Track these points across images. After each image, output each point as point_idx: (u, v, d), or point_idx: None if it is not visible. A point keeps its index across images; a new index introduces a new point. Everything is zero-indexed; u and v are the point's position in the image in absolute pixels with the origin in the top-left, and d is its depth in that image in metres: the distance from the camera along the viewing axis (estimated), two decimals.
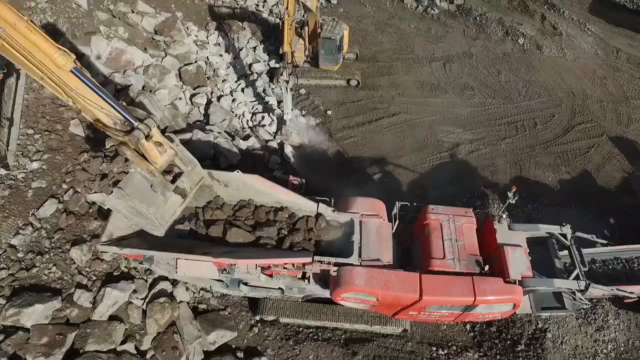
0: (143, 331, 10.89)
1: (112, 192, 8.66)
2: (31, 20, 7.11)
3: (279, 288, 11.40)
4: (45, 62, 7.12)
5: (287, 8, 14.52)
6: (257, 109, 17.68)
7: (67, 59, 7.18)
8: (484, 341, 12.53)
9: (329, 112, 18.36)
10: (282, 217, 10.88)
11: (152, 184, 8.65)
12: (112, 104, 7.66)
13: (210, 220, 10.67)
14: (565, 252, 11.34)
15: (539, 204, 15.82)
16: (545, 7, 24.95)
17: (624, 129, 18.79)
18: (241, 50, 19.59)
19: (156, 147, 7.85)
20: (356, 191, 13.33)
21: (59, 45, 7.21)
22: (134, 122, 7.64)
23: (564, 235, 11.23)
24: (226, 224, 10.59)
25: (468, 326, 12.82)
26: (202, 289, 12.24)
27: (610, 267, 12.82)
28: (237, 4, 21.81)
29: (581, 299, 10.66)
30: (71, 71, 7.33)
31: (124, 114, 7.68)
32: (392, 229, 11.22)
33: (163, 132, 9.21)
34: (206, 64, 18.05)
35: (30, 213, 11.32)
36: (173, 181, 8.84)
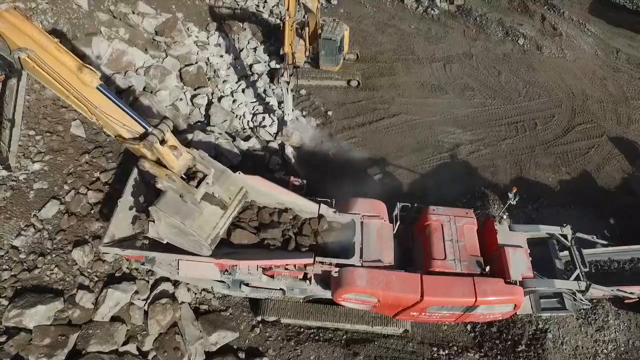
0: (145, 332, 10.92)
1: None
2: (59, 41, 7.33)
3: (281, 289, 11.44)
4: (72, 80, 7.30)
5: (287, 9, 14.54)
6: (257, 109, 17.70)
7: (93, 76, 7.39)
8: (485, 341, 12.56)
9: (329, 113, 18.39)
10: (287, 219, 10.89)
11: (180, 195, 8.40)
12: (129, 112, 7.74)
13: None
14: (566, 252, 11.38)
15: (540, 204, 15.86)
16: (545, 7, 25.00)
17: (624, 129, 18.83)
18: (242, 51, 19.61)
19: (172, 151, 7.77)
20: (357, 192, 13.39)
21: (84, 64, 7.40)
22: (148, 127, 7.68)
23: (565, 236, 11.28)
24: (230, 225, 10.59)
25: (469, 327, 12.85)
26: (203, 289, 12.27)
27: (610, 267, 12.86)
28: (238, 5, 21.82)
29: (582, 300, 10.70)
30: (97, 88, 7.51)
31: (139, 120, 7.73)
32: (393, 230, 11.25)
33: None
34: (207, 64, 18.07)
35: (32, 214, 11.34)
36: (197, 186, 8.37)
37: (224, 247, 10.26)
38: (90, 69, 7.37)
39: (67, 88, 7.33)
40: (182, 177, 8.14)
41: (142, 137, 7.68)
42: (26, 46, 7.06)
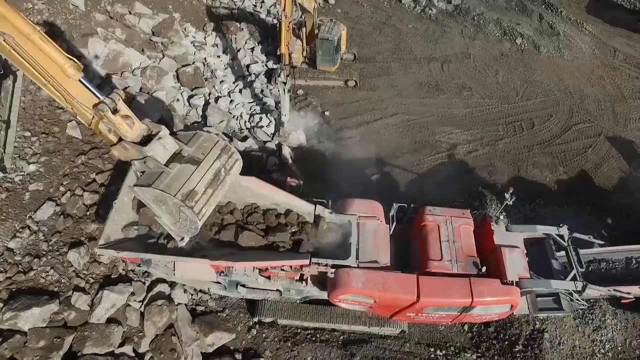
0: (141, 333, 10.90)
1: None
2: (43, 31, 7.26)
3: (277, 290, 11.42)
4: (53, 71, 7.30)
5: (284, 9, 14.51)
6: (255, 110, 17.67)
7: (76, 69, 7.41)
8: (482, 342, 12.55)
9: (326, 113, 18.36)
10: (293, 220, 10.87)
11: (144, 161, 8.14)
12: (95, 91, 7.77)
13: (221, 225, 10.61)
14: (563, 252, 11.36)
15: (537, 204, 15.84)
16: (543, 7, 25.00)
17: (622, 128, 18.82)
18: (239, 51, 19.57)
19: (124, 121, 7.80)
20: (354, 192, 13.37)
21: (68, 55, 7.40)
22: (100, 97, 7.71)
23: (561, 236, 11.24)
24: (238, 228, 10.57)
25: (466, 327, 12.84)
26: (200, 291, 12.25)
27: (607, 267, 12.84)
28: (235, 5, 21.78)
29: (578, 300, 10.68)
30: (81, 82, 7.55)
31: (93, 89, 7.73)
32: (390, 231, 11.23)
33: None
34: (204, 65, 18.04)
35: (28, 216, 11.32)
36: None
37: (231, 249, 10.24)
38: (74, 61, 7.39)
39: (47, 78, 7.38)
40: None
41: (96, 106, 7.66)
42: (8, 33, 6.94)
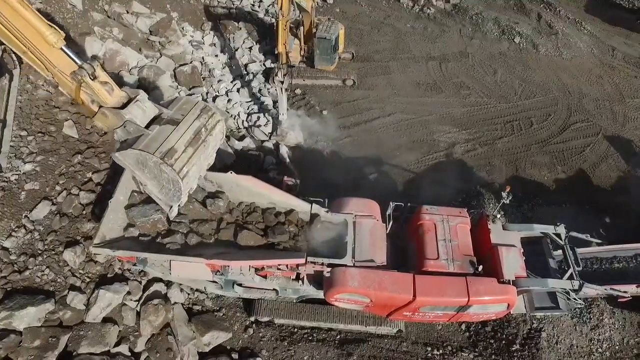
0: (137, 333, 10.86)
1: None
2: None
3: (274, 289, 11.40)
4: (34, 39, 7.26)
5: (281, 8, 14.49)
6: (252, 109, 17.65)
7: (58, 37, 7.37)
8: (479, 341, 12.52)
9: (324, 112, 18.33)
10: (294, 219, 10.84)
11: (124, 126, 8.09)
12: (72, 56, 7.78)
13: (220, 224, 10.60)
14: (560, 251, 11.34)
15: (535, 203, 15.82)
16: (541, 6, 24.97)
17: (620, 127, 18.79)
18: (237, 50, 19.56)
19: (103, 87, 7.85)
20: (351, 191, 13.35)
21: (50, 23, 7.37)
22: (79, 62, 7.71)
23: (558, 235, 11.24)
24: (237, 227, 10.55)
25: (463, 326, 12.82)
26: (196, 290, 12.22)
27: (605, 266, 12.82)
28: (233, 4, 21.77)
29: (575, 299, 10.66)
30: (61, 49, 7.52)
31: (73, 56, 7.73)
32: (387, 230, 11.21)
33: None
34: (201, 64, 18.03)
35: (23, 215, 11.28)
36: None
37: (228, 248, 10.22)
38: (55, 29, 7.35)
39: (28, 45, 7.34)
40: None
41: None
42: None
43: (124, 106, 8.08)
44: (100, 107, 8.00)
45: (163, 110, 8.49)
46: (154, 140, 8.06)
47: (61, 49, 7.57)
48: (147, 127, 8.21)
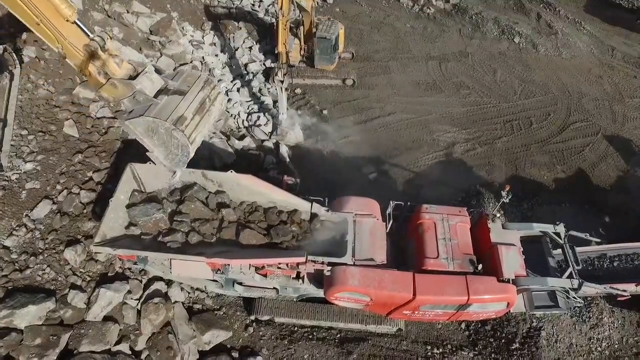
0: (137, 331, 10.88)
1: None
2: None
3: (274, 288, 11.42)
4: (48, 11, 7.43)
5: (281, 8, 14.50)
6: (252, 108, 17.67)
7: (72, 10, 7.56)
8: (479, 340, 12.55)
9: (324, 112, 18.36)
10: (298, 219, 10.87)
11: (134, 96, 8.57)
12: (85, 29, 8.04)
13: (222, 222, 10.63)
14: (559, 250, 11.37)
15: (535, 202, 15.85)
16: (541, 5, 25.04)
17: (620, 127, 18.83)
18: (237, 50, 19.58)
19: (113, 59, 8.20)
20: (351, 190, 13.37)
21: None
22: (90, 35, 7.99)
23: (558, 234, 11.26)
24: (239, 226, 10.58)
25: (463, 325, 12.85)
26: (197, 289, 12.24)
27: (604, 265, 12.86)
28: (233, 4, 21.80)
29: (574, 298, 10.69)
30: (74, 22, 7.71)
31: (85, 29, 8.00)
32: (386, 229, 11.23)
33: None
34: (202, 64, 18.05)
35: (24, 214, 11.30)
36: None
37: (229, 247, 10.25)
38: (69, 3, 7.56)
39: (40, 18, 7.49)
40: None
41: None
42: None
43: (131, 79, 8.53)
44: (109, 78, 8.35)
45: (168, 82, 8.98)
46: (164, 108, 8.62)
47: (76, 23, 7.82)
48: (155, 97, 8.72)
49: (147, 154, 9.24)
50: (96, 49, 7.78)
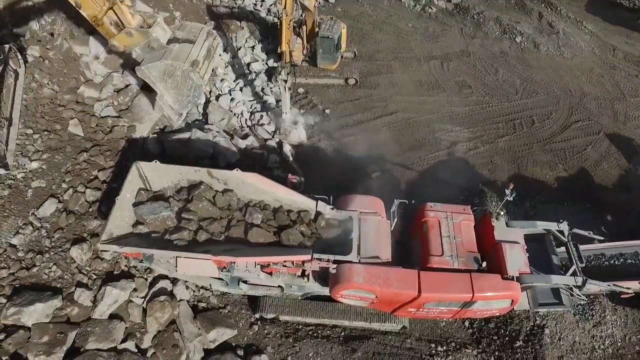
0: (143, 329, 10.93)
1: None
2: None
3: (279, 286, 11.48)
4: None
5: (284, 7, 14.54)
6: (255, 108, 17.71)
7: None
8: (483, 337, 12.61)
9: (327, 111, 18.41)
10: (308, 218, 10.92)
11: (149, 46, 10.02)
12: None
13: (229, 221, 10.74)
14: (563, 248, 11.42)
15: (537, 201, 15.90)
16: (543, 5, 25.08)
17: (621, 126, 18.89)
18: (239, 49, 19.61)
19: (128, 10, 9.29)
20: (354, 189, 13.42)
21: None
22: None
23: (561, 232, 11.33)
24: (247, 224, 10.64)
25: (467, 323, 12.90)
26: (202, 287, 12.28)
27: (607, 263, 12.91)
28: (235, 4, 21.82)
29: (578, 295, 10.75)
30: None
31: None
32: (391, 227, 11.28)
33: None
34: None
35: (30, 213, 11.36)
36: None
37: (238, 245, 10.29)
38: None
39: None
40: None
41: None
42: None
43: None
44: (123, 28, 9.51)
45: (176, 32, 10.35)
46: (179, 54, 10.09)
47: None
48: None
49: (157, 98, 10.71)
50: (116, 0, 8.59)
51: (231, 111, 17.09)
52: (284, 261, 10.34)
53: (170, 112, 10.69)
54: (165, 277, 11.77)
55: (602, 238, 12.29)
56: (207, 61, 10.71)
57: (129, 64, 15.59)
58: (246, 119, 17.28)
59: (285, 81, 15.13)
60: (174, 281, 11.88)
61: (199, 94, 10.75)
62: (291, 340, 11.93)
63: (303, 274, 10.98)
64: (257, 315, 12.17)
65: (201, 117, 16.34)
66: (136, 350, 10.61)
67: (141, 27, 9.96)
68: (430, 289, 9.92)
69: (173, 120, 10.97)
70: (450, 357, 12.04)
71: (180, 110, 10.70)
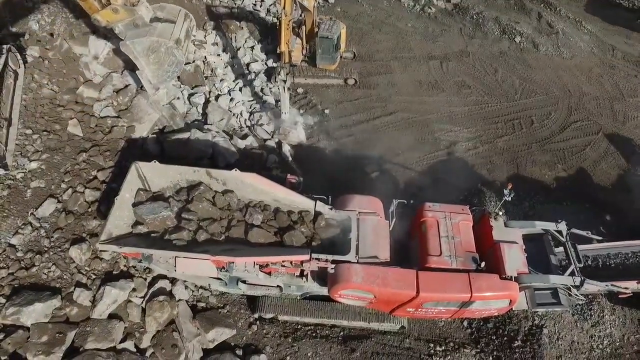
0: (142, 329, 10.95)
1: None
2: None
3: (278, 286, 11.49)
4: None
5: (284, 7, 14.57)
6: (255, 108, 17.74)
7: None
8: (481, 337, 12.63)
9: (326, 111, 18.42)
10: (308, 220, 10.92)
11: (134, 24, 10.82)
12: None
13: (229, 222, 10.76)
14: (561, 248, 11.44)
15: (536, 201, 15.92)
16: (542, 5, 25.10)
17: (620, 126, 18.90)
18: (239, 49, 19.64)
19: None
20: (353, 189, 13.41)
21: None
22: None
23: (560, 232, 11.34)
24: (247, 225, 10.66)
25: (465, 323, 12.92)
26: (201, 287, 12.30)
27: (605, 263, 12.92)
28: (235, 4, 21.84)
29: (577, 295, 10.76)
30: None
31: None
32: (390, 227, 11.30)
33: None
34: (204, 63, 18.07)
35: (29, 213, 11.38)
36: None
37: (237, 246, 10.31)
38: None
39: None
40: None
41: None
42: None
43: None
44: (108, 4, 10.10)
45: (157, 12, 11.25)
46: (162, 32, 10.96)
47: None
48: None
49: (137, 72, 11.70)
50: None
51: (230, 111, 17.12)
52: (283, 261, 10.36)
53: (148, 86, 11.89)
54: (164, 277, 11.79)
55: (600, 238, 12.32)
56: (187, 41, 11.77)
57: (129, 65, 15.67)
58: (245, 119, 17.30)
59: (285, 81, 15.16)
60: (173, 281, 11.89)
61: (178, 70, 11.78)
62: (290, 340, 11.95)
63: (302, 274, 10.99)
64: (256, 315, 12.19)
65: (200, 117, 16.38)
66: (135, 350, 10.62)
67: (125, 4, 10.54)
68: (428, 288, 9.93)
69: (150, 94, 12.31)
70: (449, 357, 12.05)
71: (157, 85, 11.93)
